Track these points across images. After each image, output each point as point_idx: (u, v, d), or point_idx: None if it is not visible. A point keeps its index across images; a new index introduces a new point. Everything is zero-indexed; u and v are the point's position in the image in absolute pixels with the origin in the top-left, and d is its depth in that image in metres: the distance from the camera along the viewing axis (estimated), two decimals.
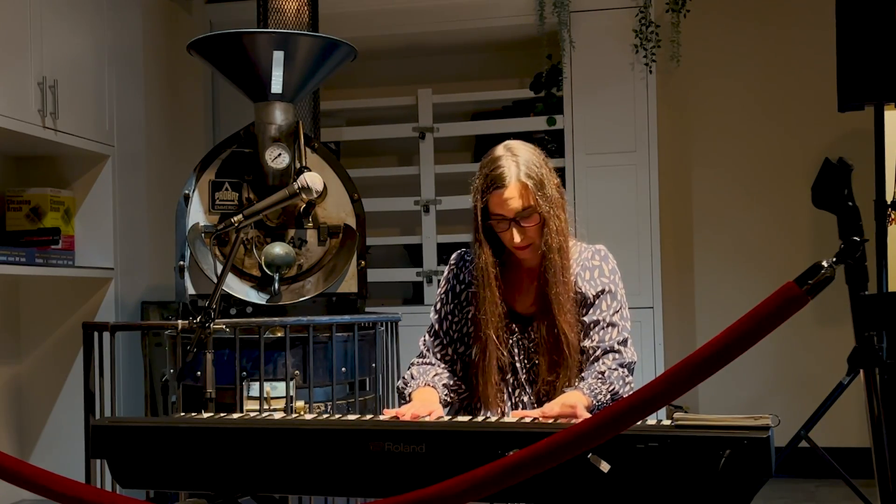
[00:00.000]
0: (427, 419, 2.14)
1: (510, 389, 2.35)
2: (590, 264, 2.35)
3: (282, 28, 3.87)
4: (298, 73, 3.44)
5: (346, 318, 3.43)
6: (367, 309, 3.79)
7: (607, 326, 2.28)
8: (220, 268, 3.02)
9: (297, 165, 3.41)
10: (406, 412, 2.14)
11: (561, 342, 2.26)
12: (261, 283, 3.41)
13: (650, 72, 4.74)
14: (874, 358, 2.67)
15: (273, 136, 3.47)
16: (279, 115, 3.48)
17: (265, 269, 3.37)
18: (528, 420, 2.06)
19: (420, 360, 2.43)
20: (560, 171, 4.85)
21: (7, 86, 3.67)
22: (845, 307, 2.71)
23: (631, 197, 4.75)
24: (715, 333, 1.51)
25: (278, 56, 3.35)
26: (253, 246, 3.44)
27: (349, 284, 3.55)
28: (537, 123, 4.97)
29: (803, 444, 3.64)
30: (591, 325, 2.29)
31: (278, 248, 3.36)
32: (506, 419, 2.14)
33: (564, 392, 2.22)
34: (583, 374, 2.26)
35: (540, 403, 2.26)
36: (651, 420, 1.77)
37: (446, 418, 2.16)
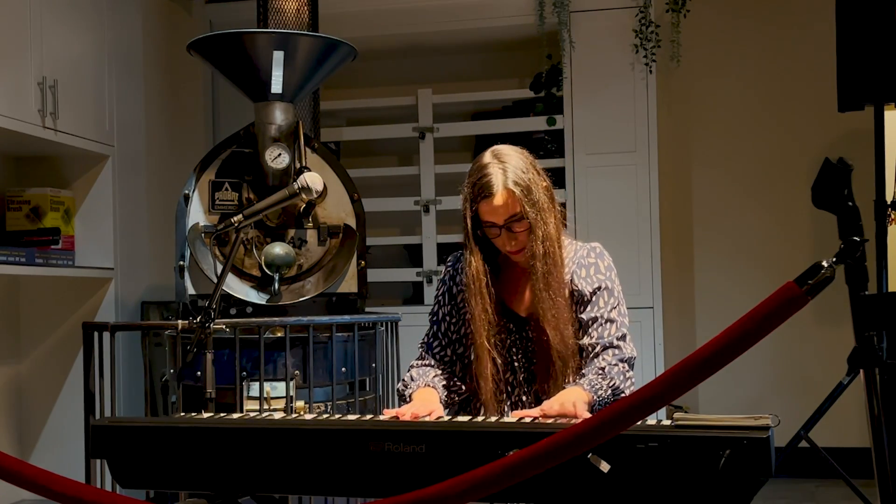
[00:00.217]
0: (427, 419, 2.14)
1: (509, 389, 2.35)
2: (585, 262, 2.35)
3: (282, 28, 3.87)
4: (298, 73, 3.44)
5: (346, 318, 3.43)
6: (367, 309, 3.79)
7: (605, 323, 2.29)
8: (220, 268, 3.02)
9: (297, 165, 3.41)
10: (406, 412, 2.14)
11: (553, 344, 2.27)
12: (261, 283, 3.41)
13: (650, 72, 4.74)
14: (874, 358, 2.66)
15: (273, 136, 3.47)
16: (279, 115, 3.48)
17: (265, 269, 3.37)
18: (527, 420, 2.06)
19: (419, 361, 2.44)
20: (560, 171, 4.87)
21: (7, 86, 3.67)
22: (845, 307, 2.71)
23: (631, 197, 4.75)
24: (715, 333, 1.51)
25: (278, 56, 3.35)
26: (253, 246, 3.44)
27: (349, 284, 3.55)
28: (537, 123, 4.98)
29: (803, 444, 3.64)
30: (590, 323, 2.29)
31: (278, 248, 3.36)
32: (506, 419, 2.14)
33: (565, 388, 2.22)
34: (583, 371, 2.27)
35: (539, 402, 2.26)
36: (651, 420, 1.77)
37: (446, 418, 2.16)
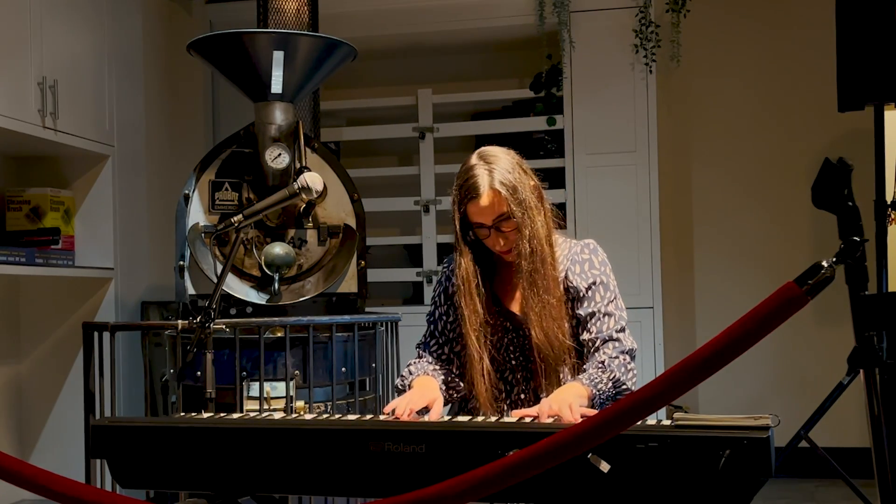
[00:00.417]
0: (426, 418, 2.14)
1: (508, 388, 2.36)
2: (579, 258, 2.36)
3: (282, 28, 3.87)
4: (298, 73, 3.44)
5: (346, 318, 3.43)
6: (367, 309, 3.79)
7: (604, 317, 2.29)
8: (220, 268, 3.02)
9: (297, 165, 3.41)
10: (403, 404, 2.16)
11: (537, 342, 2.28)
12: (261, 283, 3.41)
13: (650, 72, 4.74)
14: (874, 358, 2.66)
15: (273, 136, 3.47)
16: (279, 115, 3.48)
17: (265, 269, 3.37)
18: (527, 419, 2.06)
19: (416, 360, 2.46)
20: (560, 171, 4.87)
21: (7, 86, 3.67)
22: (845, 307, 2.71)
23: (631, 197, 4.76)
24: (715, 333, 1.51)
25: (278, 56, 3.35)
26: (253, 246, 3.44)
27: (349, 284, 3.55)
28: (537, 123, 4.98)
29: (803, 444, 3.64)
30: (588, 318, 2.30)
31: (278, 248, 3.36)
32: (506, 419, 2.14)
33: (565, 383, 2.23)
34: (584, 366, 2.27)
35: (538, 401, 2.27)
36: (651, 420, 1.77)
37: (446, 418, 2.16)
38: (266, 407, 3.21)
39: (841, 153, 3.27)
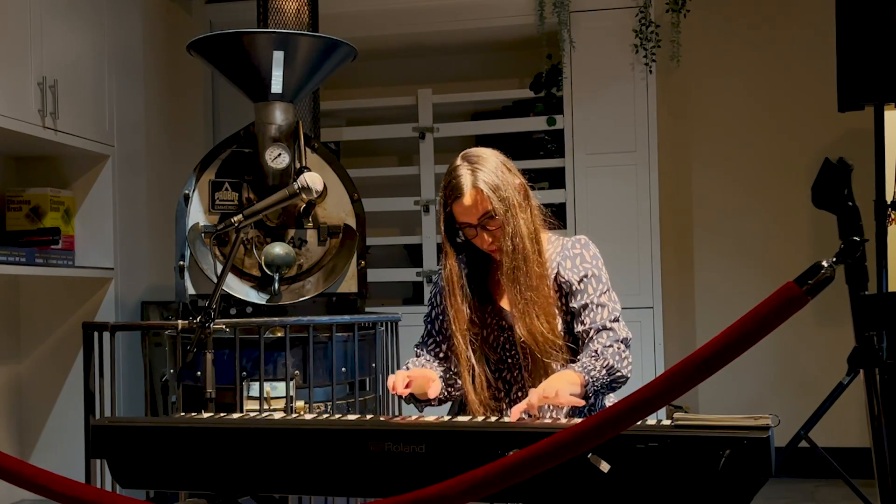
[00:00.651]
0: (429, 419, 2.14)
1: (507, 387, 2.36)
2: (570, 253, 2.37)
3: (282, 28, 3.87)
4: (298, 73, 3.44)
5: (346, 318, 3.43)
6: (367, 309, 3.79)
7: (597, 307, 2.30)
8: (220, 268, 3.02)
9: (297, 165, 3.41)
10: (401, 377, 2.21)
11: (516, 340, 2.30)
12: (261, 283, 3.41)
13: (650, 72, 4.74)
14: (874, 358, 2.66)
15: (273, 136, 3.47)
16: (279, 115, 3.48)
17: (265, 269, 3.37)
18: (522, 415, 2.07)
19: (414, 359, 2.48)
20: (560, 171, 4.87)
21: (7, 86, 3.67)
22: (845, 307, 2.71)
23: (631, 197, 4.76)
24: (715, 333, 1.51)
25: (278, 56, 3.35)
26: (253, 246, 3.44)
27: (349, 284, 3.55)
28: (537, 123, 4.98)
29: (803, 444, 3.64)
30: (581, 310, 2.31)
31: (278, 248, 3.36)
32: (506, 419, 2.15)
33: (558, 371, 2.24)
34: (578, 357, 2.28)
35: None
36: (651, 420, 1.77)
37: (446, 418, 2.16)
38: (266, 407, 3.21)
39: (841, 153, 3.27)
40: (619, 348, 2.25)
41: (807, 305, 1.46)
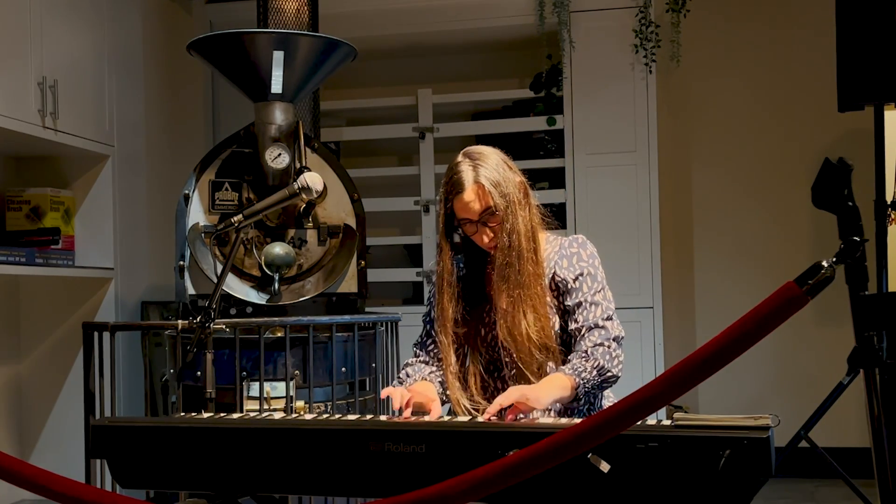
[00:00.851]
0: (427, 418, 2.14)
1: (504, 386, 2.36)
2: (567, 252, 2.38)
3: (282, 28, 3.87)
4: (298, 73, 3.44)
5: (346, 318, 3.43)
6: (367, 309, 3.79)
7: (590, 306, 2.31)
8: (220, 268, 3.02)
9: (297, 165, 3.41)
10: (398, 395, 2.19)
11: (500, 335, 2.31)
12: (261, 283, 3.41)
13: (650, 72, 4.74)
14: (874, 358, 2.66)
15: (273, 136, 3.47)
16: (279, 115, 3.48)
17: (265, 269, 3.37)
18: (492, 416, 2.09)
19: (414, 359, 2.48)
20: (560, 171, 4.87)
21: (7, 86, 3.67)
22: (845, 307, 2.71)
23: (631, 197, 4.76)
24: (715, 333, 1.51)
25: (278, 56, 3.35)
26: (253, 246, 3.44)
27: (349, 284, 3.55)
28: (537, 123, 4.98)
29: (803, 444, 3.64)
30: (575, 307, 2.32)
31: (278, 248, 3.36)
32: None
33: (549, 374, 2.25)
34: (569, 356, 2.28)
35: None
36: (651, 420, 1.77)
37: (446, 418, 2.16)
38: (266, 407, 3.21)
39: (841, 153, 3.27)
40: (609, 346, 2.26)
41: (807, 305, 1.46)
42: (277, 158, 3.45)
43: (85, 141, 4.16)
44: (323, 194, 3.30)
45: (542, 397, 2.12)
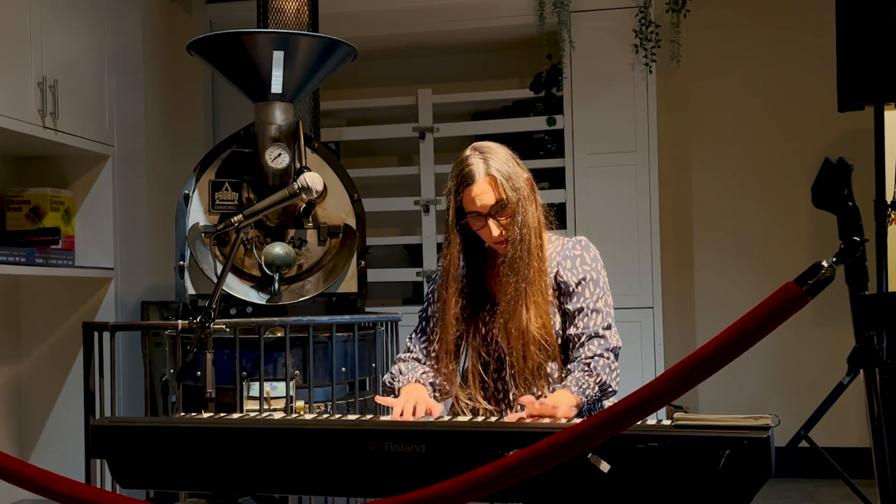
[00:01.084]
0: (428, 419, 2.14)
1: (505, 387, 2.35)
2: (571, 253, 2.37)
3: (282, 28, 3.87)
4: (298, 73, 3.44)
5: (346, 318, 3.43)
6: (367, 309, 3.79)
7: (591, 313, 2.30)
8: (220, 268, 3.02)
9: (297, 165, 3.41)
10: (396, 410, 2.17)
11: (499, 328, 2.30)
12: (261, 283, 3.41)
13: (650, 72, 4.74)
14: (874, 358, 2.66)
15: (273, 136, 3.47)
16: (279, 115, 3.48)
17: (265, 269, 3.36)
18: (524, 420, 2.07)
19: (407, 355, 2.46)
20: (560, 171, 4.87)
21: (7, 86, 3.67)
22: (845, 307, 2.71)
23: (631, 197, 4.76)
24: (715, 333, 1.51)
25: (278, 56, 3.35)
26: (253, 246, 3.44)
27: (349, 284, 3.55)
28: (537, 123, 4.98)
29: (803, 444, 3.64)
30: (576, 313, 2.31)
31: (278, 248, 3.36)
32: (505, 419, 2.14)
33: (555, 390, 2.24)
34: (569, 366, 2.28)
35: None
36: (651, 420, 1.77)
37: (446, 418, 2.16)
38: (266, 407, 3.21)
39: (841, 153, 3.28)
40: (608, 359, 2.26)
41: (807, 305, 1.46)
42: (277, 158, 3.45)
43: (85, 141, 4.16)
44: (323, 194, 3.30)
45: (560, 406, 2.10)
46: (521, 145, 5.00)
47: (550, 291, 2.33)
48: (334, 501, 3.24)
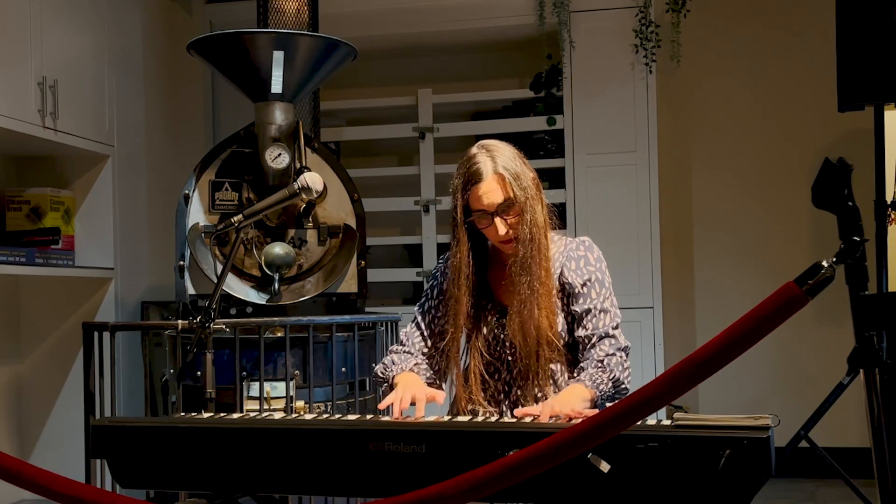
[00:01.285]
0: (429, 419, 2.14)
1: (505, 388, 2.35)
2: (575, 254, 2.36)
3: (282, 28, 3.87)
4: (298, 73, 3.44)
5: (346, 318, 3.43)
6: (367, 309, 3.79)
7: (599, 313, 2.30)
8: (220, 268, 3.02)
9: (297, 165, 3.41)
10: (395, 407, 2.15)
11: (513, 329, 2.28)
12: (261, 283, 3.41)
13: (650, 72, 4.74)
14: (874, 358, 2.66)
15: (273, 136, 3.47)
16: (279, 115, 3.48)
17: (265, 269, 3.37)
18: (528, 419, 2.07)
19: (400, 347, 2.45)
20: (560, 171, 4.87)
21: (7, 86, 3.67)
22: (845, 307, 2.71)
23: (631, 197, 4.75)
24: (715, 333, 1.51)
25: (278, 56, 3.35)
26: (253, 246, 3.44)
27: (349, 284, 3.55)
28: (537, 123, 4.98)
29: (803, 444, 3.64)
30: (584, 314, 2.30)
31: (278, 248, 3.36)
32: (506, 419, 2.14)
33: (569, 384, 2.24)
34: (582, 364, 2.27)
35: (536, 400, 2.27)
36: (651, 420, 1.77)
37: (446, 418, 2.16)
38: (266, 407, 3.21)
39: (841, 153, 3.28)
40: (620, 358, 2.26)
41: (807, 305, 1.46)
42: (277, 158, 3.45)
43: (85, 141, 4.16)
44: (323, 194, 3.30)
45: (573, 402, 2.10)
46: (521, 145, 4.92)
47: (554, 292, 2.33)
48: (334, 501, 3.23)
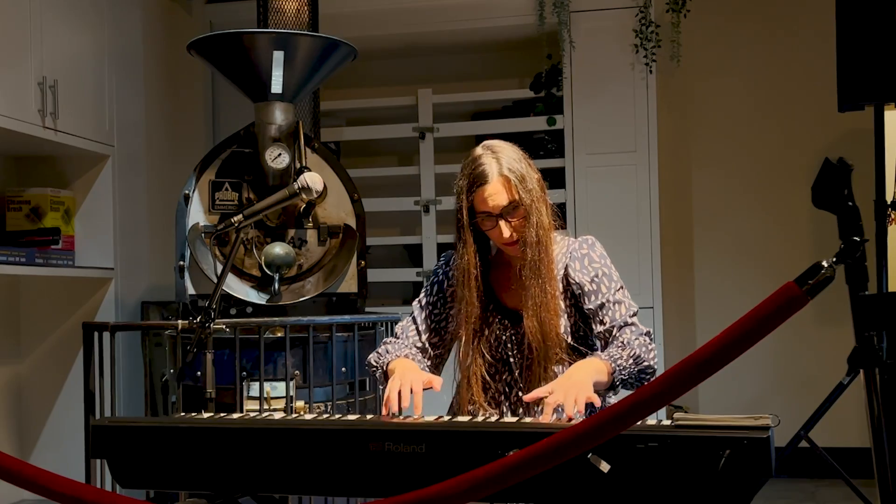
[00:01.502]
0: (429, 419, 2.14)
1: (506, 389, 2.35)
2: (578, 254, 2.35)
3: (282, 28, 3.87)
4: (298, 73, 3.44)
5: (346, 318, 3.43)
6: (367, 309, 3.79)
7: (614, 305, 2.27)
8: (220, 268, 3.02)
9: (297, 165, 3.41)
10: (394, 397, 2.14)
11: (529, 333, 2.27)
12: (261, 283, 3.41)
13: (650, 72, 4.74)
14: (874, 358, 2.67)
15: (273, 136, 3.47)
16: (279, 115, 3.48)
17: (265, 269, 3.37)
18: (539, 406, 2.05)
19: (394, 339, 2.46)
20: (560, 171, 4.87)
21: (7, 86, 3.67)
22: (845, 307, 2.71)
23: (631, 197, 4.76)
24: (715, 333, 1.51)
25: (278, 56, 3.35)
26: (253, 246, 3.44)
27: (349, 284, 3.55)
28: (537, 123, 4.98)
29: (803, 444, 3.64)
30: (598, 310, 2.28)
31: (278, 248, 3.36)
32: (506, 419, 2.14)
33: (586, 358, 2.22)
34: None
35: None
36: (651, 420, 1.77)
37: (446, 418, 2.16)
38: (266, 407, 3.21)
39: (841, 153, 3.28)
40: (645, 340, 2.22)
41: (807, 305, 1.46)
42: (277, 158, 3.45)
43: (85, 141, 4.16)
44: (323, 194, 3.30)
45: (584, 381, 2.06)
46: (522, 145, 4.97)
47: (558, 293, 2.33)
48: (334, 501, 3.23)
